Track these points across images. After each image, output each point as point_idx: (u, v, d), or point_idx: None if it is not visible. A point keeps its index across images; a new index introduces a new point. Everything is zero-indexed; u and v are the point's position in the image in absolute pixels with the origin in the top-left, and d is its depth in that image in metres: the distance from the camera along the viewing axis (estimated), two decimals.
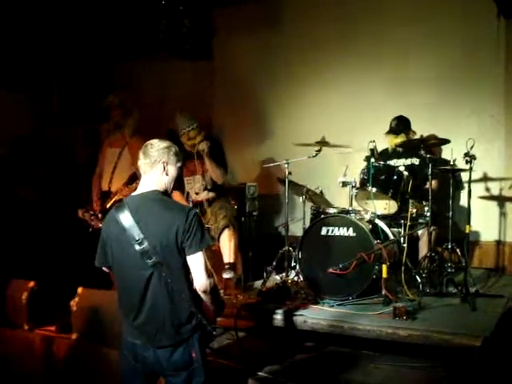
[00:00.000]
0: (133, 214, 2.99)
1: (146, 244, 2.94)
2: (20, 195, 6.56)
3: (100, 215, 5.31)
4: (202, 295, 3.05)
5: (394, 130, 5.74)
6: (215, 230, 5.33)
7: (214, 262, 5.46)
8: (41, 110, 7.18)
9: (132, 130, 5.85)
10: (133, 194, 3.20)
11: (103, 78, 7.74)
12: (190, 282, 3.03)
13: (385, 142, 5.84)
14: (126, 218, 2.99)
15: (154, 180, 3.10)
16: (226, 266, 5.27)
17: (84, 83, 7.56)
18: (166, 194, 3.15)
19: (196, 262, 2.99)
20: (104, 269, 3.22)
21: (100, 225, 4.69)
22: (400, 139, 5.68)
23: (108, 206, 5.34)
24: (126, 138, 5.81)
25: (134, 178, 5.19)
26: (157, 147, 3.12)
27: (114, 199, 5.34)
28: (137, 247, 2.95)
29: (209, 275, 3.04)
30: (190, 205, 5.21)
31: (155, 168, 3.10)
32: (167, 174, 3.13)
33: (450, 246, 5.05)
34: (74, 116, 7.47)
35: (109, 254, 3.11)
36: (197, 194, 5.55)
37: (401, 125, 5.74)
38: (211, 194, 5.57)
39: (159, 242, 2.95)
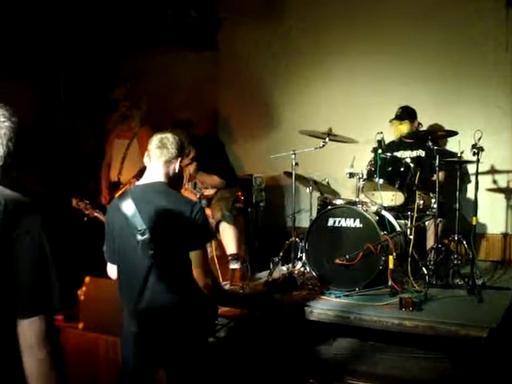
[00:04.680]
0: (136, 203, 2.98)
1: (148, 234, 2.93)
2: (26, 184, 6.57)
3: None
4: (204, 289, 3.05)
5: (398, 117, 5.75)
6: (214, 222, 5.36)
7: (221, 253, 5.50)
8: (47, 99, 7.18)
9: (139, 121, 5.87)
10: (137, 183, 3.19)
11: (109, 69, 7.74)
12: (190, 273, 3.02)
13: (392, 134, 5.84)
14: (128, 207, 2.99)
15: (163, 173, 3.09)
16: (230, 257, 5.29)
17: (90, 74, 7.56)
18: (170, 186, 3.14)
19: (198, 257, 3.00)
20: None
21: (95, 214, 4.71)
22: (405, 126, 5.70)
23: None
24: (134, 129, 5.84)
25: (145, 170, 5.21)
26: (176, 144, 3.10)
27: (123, 190, 5.36)
28: (139, 237, 2.94)
29: (209, 270, 3.04)
30: (198, 195, 5.20)
31: (169, 163, 3.10)
32: (175, 170, 3.14)
33: (456, 238, 5.04)
34: (80, 106, 7.47)
35: (114, 247, 3.11)
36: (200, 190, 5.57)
37: (405, 112, 5.75)
38: (215, 189, 5.58)
39: (161, 233, 2.94)
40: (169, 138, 3.11)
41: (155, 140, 3.11)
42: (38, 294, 1.79)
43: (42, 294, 1.80)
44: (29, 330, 1.73)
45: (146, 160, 3.15)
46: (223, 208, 5.37)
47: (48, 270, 1.79)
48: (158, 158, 3.09)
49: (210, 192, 5.56)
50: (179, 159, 3.14)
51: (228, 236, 5.31)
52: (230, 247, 5.30)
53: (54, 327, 1.79)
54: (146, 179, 3.13)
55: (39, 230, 1.78)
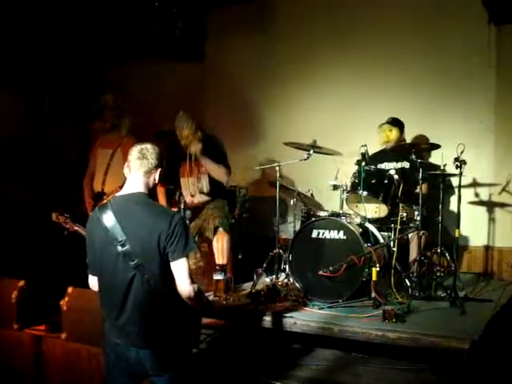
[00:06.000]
0: (116, 215, 2.97)
1: (128, 246, 2.92)
2: (9, 193, 6.55)
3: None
4: (186, 300, 3.03)
5: (389, 122, 5.83)
6: (210, 231, 5.35)
7: (206, 263, 5.49)
8: (32, 108, 7.16)
9: (127, 130, 5.87)
10: (117, 194, 3.18)
11: (95, 79, 7.74)
12: (172, 284, 3.01)
13: (376, 146, 5.88)
14: (108, 219, 2.98)
15: (143, 183, 3.08)
16: (217, 268, 5.27)
17: (75, 83, 7.55)
18: (150, 196, 3.13)
19: (179, 269, 2.97)
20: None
21: (75, 228, 4.69)
22: (394, 133, 5.78)
23: None
24: (122, 138, 5.82)
25: None
26: (155, 155, 3.10)
27: (107, 200, 5.33)
28: (119, 248, 2.93)
29: (192, 281, 3.03)
30: (182, 206, 5.16)
31: (149, 173, 3.09)
32: (155, 180, 3.13)
33: (439, 250, 5.09)
34: (65, 115, 7.46)
35: (95, 258, 3.09)
36: (192, 196, 5.50)
37: (395, 120, 5.84)
38: (206, 198, 5.55)
39: (141, 245, 2.93)
40: (148, 148, 3.10)
41: (135, 151, 3.10)
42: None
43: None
44: None
45: (126, 171, 3.15)
46: (222, 216, 5.38)
47: None
48: (137, 169, 3.08)
49: (200, 199, 5.51)
50: (159, 169, 3.13)
51: (222, 245, 5.30)
52: (220, 257, 5.29)
53: None
54: (126, 190, 3.11)
55: None
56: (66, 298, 4.35)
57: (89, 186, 5.94)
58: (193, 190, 5.48)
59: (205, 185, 5.46)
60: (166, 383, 3.05)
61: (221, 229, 5.32)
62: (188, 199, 5.43)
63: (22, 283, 4.62)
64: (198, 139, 5.40)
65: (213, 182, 5.47)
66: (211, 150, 5.44)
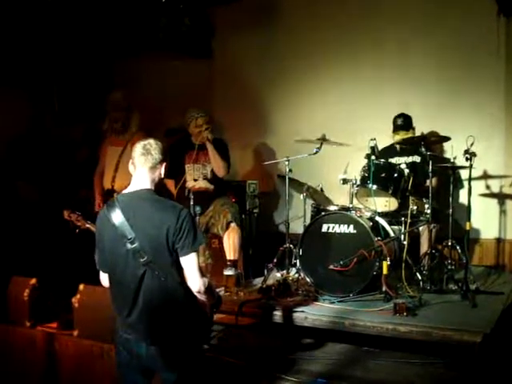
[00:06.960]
0: (123, 212, 2.97)
1: (137, 243, 2.92)
2: (20, 192, 6.57)
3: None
4: (197, 295, 3.04)
5: (403, 127, 5.76)
6: (220, 226, 5.37)
7: (216, 260, 5.50)
8: (41, 107, 7.18)
9: (137, 127, 5.91)
10: (124, 191, 3.18)
11: (103, 76, 7.75)
12: (183, 280, 3.01)
13: (385, 140, 5.86)
14: (116, 217, 2.97)
15: (149, 179, 3.08)
16: (228, 263, 5.29)
17: (84, 81, 7.57)
18: (157, 192, 3.13)
19: (189, 263, 2.97)
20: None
21: (87, 225, 4.71)
22: (401, 135, 5.71)
23: None
24: (132, 135, 5.85)
25: None
26: (159, 150, 3.10)
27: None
28: (128, 246, 2.93)
29: (202, 274, 3.03)
30: (192, 202, 5.17)
31: (154, 169, 3.09)
32: (161, 175, 3.13)
33: (450, 244, 5.06)
34: (73, 114, 7.48)
35: (105, 256, 3.10)
36: (195, 180, 5.60)
37: (406, 121, 5.78)
38: (209, 185, 5.61)
39: (149, 242, 2.93)
40: (152, 143, 3.11)
41: (138, 147, 3.11)
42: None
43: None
44: None
45: (131, 168, 3.15)
46: (233, 211, 5.45)
47: None
48: (142, 165, 3.08)
49: (202, 185, 5.61)
50: (164, 164, 3.14)
51: (232, 240, 5.34)
52: (232, 253, 5.32)
53: None
54: (132, 187, 3.11)
55: None
56: (78, 295, 4.37)
57: (99, 183, 5.98)
58: (197, 175, 5.64)
59: (209, 172, 5.64)
60: (175, 379, 3.06)
61: (233, 224, 5.36)
62: (190, 184, 5.57)
63: (33, 281, 4.64)
64: (210, 128, 5.59)
65: (215, 176, 5.61)
66: (218, 146, 5.61)
